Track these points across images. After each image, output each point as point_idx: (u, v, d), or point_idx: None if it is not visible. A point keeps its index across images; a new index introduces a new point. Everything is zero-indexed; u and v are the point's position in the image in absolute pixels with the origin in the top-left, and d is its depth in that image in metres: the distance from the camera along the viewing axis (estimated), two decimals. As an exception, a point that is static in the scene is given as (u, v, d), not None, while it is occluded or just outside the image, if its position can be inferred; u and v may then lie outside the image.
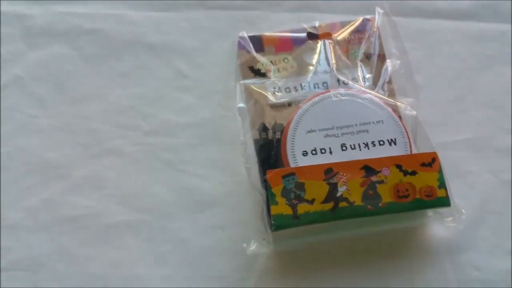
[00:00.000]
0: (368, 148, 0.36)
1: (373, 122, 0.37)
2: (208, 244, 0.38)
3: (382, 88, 0.39)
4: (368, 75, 0.40)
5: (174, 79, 0.42)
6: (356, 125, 0.37)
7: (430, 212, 0.37)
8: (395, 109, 0.38)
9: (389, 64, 0.40)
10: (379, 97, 0.38)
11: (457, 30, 0.45)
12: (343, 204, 0.34)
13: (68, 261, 0.37)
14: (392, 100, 0.39)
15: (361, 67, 0.40)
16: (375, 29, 0.41)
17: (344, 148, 0.36)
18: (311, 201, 0.34)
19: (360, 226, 0.37)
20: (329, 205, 0.34)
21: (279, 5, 0.45)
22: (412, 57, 0.42)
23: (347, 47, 0.41)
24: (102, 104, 0.41)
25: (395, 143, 0.36)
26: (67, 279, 0.36)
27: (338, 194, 0.34)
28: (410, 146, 0.36)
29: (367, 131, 0.36)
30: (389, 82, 0.40)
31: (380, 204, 0.34)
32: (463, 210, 0.37)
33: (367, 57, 0.41)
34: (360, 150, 0.36)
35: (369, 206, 0.34)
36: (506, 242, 0.38)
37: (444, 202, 0.35)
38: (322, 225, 0.34)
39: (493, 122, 0.41)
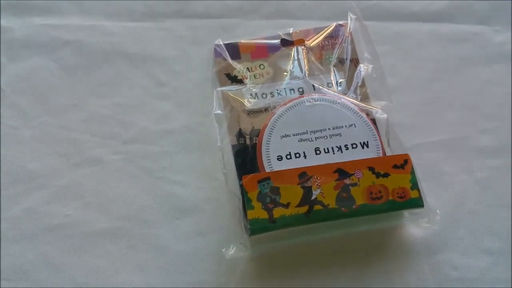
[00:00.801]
0: (342, 152, 0.37)
1: (345, 126, 0.38)
2: (188, 250, 0.38)
3: (355, 92, 0.40)
4: (341, 80, 0.41)
5: (153, 88, 0.43)
6: (329, 129, 0.38)
7: (405, 213, 0.38)
8: (368, 112, 0.39)
9: (361, 68, 0.41)
10: (352, 102, 0.39)
11: (431, 32, 0.45)
12: (317, 207, 0.35)
13: (51, 269, 0.38)
14: (364, 104, 0.39)
15: (335, 72, 0.41)
16: (347, 35, 0.42)
17: (318, 152, 0.37)
18: (286, 205, 0.35)
19: (336, 228, 0.37)
20: (304, 209, 0.35)
21: (255, 12, 0.46)
22: (387, 60, 0.43)
23: (320, 52, 0.42)
24: (82, 114, 0.42)
25: (367, 146, 0.37)
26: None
27: (313, 197, 0.35)
28: (382, 149, 0.37)
29: (340, 134, 0.37)
30: (362, 86, 0.41)
31: (354, 206, 0.35)
32: (437, 211, 0.38)
33: (341, 62, 0.42)
34: (334, 153, 0.37)
35: (343, 209, 0.35)
36: (482, 240, 0.38)
37: (417, 203, 0.36)
38: (299, 228, 0.35)
39: (467, 123, 0.42)
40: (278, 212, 0.35)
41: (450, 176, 0.41)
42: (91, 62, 0.44)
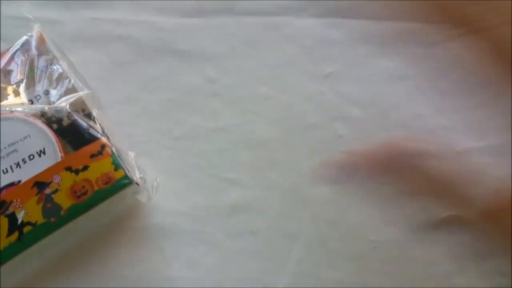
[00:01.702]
0: (20, 167, 0.36)
1: (20, 140, 0.37)
2: (238, 248, 0.39)
3: (61, 95, 0.39)
4: (49, 89, 0.39)
5: (203, 85, 0.43)
6: (4, 148, 0.36)
7: (128, 196, 0.38)
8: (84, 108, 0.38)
9: (58, 69, 0.40)
10: (30, 112, 0.38)
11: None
12: (27, 228, 0.35)
13: (103, 263, 0.38)
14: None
15: (41, 82, 0.40)
16: (38, 43, 0.41)
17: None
18: None
19: (71, 233, 0.37)
20: (15, 236, 0.35)
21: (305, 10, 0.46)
22: (437, 62, 0.43)
23: (20, 69, 0.40)
24: (133, 108, 0.43)
25: (44, 153, 0.36)
26: (98, 281, 0.38)
27: (19, 221, 0.35)
28: (62, 150, 0.36)
29: (16, 150, 0.36)
30: (60, 80, 0.40)
31: (62, 213, 0.35)
32: (157, 179, 0.39)
33: (43, 71, 0.40)
34: (13, 171, 0.36)
35: (52, 219, 0.35)
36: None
37: (124, 181, 0.36)
38: (37, 246, 0.35)
39: None
40: None
41: (499, 181, 0.41)
42: (142, 57, 0.44)
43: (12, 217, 0.35)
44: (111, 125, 0.40)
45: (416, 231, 0.39)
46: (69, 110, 0.38)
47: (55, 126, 0.38)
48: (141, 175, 0.38)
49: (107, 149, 0.37)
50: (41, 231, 0.35)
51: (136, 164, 0.39)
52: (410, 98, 0.43)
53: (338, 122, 0.42)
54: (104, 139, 0.37)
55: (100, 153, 0.37)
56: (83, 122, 0.38)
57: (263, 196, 0.41)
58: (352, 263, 0.39)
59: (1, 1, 0.45)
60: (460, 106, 0.43)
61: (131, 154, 0.39)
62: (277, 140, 0.42)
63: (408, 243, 0.39)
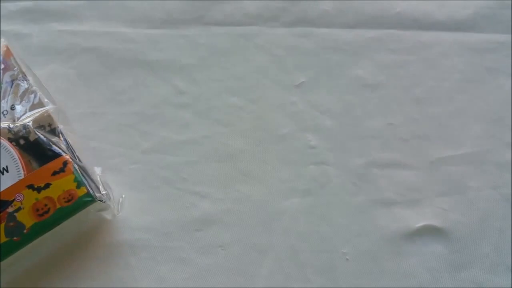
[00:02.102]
0: None
1: None
2: (208, 263, 0.39)
3: (26, 110, 0.38)
4: (15, 104, 0.39)
5: (173, 96, 0.43)
6: None
7: (91, 213, 0.37)
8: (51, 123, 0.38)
9: (23, 84, 0.39)
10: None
11: (455, 41, 0.45)
12: None
13: (72, 279, 0.38)
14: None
15: (5, 98, 0.39)
16: (4, 57, 0.40)
17: None
18: None
19: (36, 251, 0.37)
20: None
21: (276, 20, 0.45)
22: (410, 70, 0.43)
23: None
24: (100, 122, 0.42)
25: (7, 171, 0.36)
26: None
27: None
28: (25, 168, 0.36)
29: None
30: (24, 95, 0.39)
31: (25, 231, 0.35)
32: (122, 195, 0.39)
33: (8, 85, 0.39)
34: None
35: (14, 238, 0.35)
36: (508, 258, 0.38)
37: (86, 198, 0.36)
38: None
39: (492, 136, 0.42)
40: None
41: (475, 191, 0.40)
42: (110, 70, 0.44)
43: (-25, 238, 0.35)
44: (77, 140, 0.40)
45: (389, 242, 0.39)
46: (31, 126, 0.37)
47: (22, 141, 0.37)
48: (105, 192, 0.37)
49: (69, 166, 0.36)
50: (4, 250, 0.35)
51: (101, 180, 0.38)
52: (383, 106, 0.43)
53: (310, 133, 0.42)
54: (66, 156, 0.37)
55: (62, 170, 0.36)
56: (45, 139, 0.37)
57: (233, 209, 0.40)
58: (324, 276, 0.39)
59: (-34, 15, 0.45)
60: (434, 114, 0.43)
61: (97, 170, 0.39)
62: (247, 151, 0.42)
63: (381, 254, 0.39)
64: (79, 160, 0.38)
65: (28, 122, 0.38)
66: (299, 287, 0.38)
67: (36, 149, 0.37)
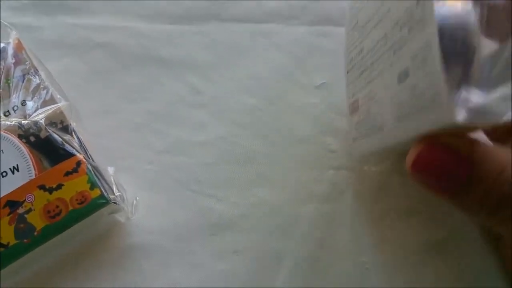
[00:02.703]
0: None
1: None
2: (223, 268, 0.38)
3: (38, 107, 0.37)
4: (26, 100, 0.38)
5: (188, 95, 0.42)
6: None
7: (104, 215, 0.37)
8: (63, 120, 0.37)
9: (35, 79, 0.38)
10: (4, 125, 0.36)
11: None
12: None
13: (80, 285, 0.37)
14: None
15: (17, 93, 0.38)
16: (16, 51, 0.39)
17: None
18: None
19: (46, 254, 0.36)
20: None
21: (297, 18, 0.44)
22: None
23: None
24: (113, 120, 0.41)
25: (18, 170, 0.35)
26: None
27: None
28: (36, 166, 0.35)
29: None
30: (36, 92, 0.38)
31: (35, 233, 0.34)
32: (137, 198, 0.37)
33: (19, 80, 0.39)
34: None
35: (25, 240, 0.34)
36: None
37: (100, 201, 0.35)
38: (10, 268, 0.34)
39: None
40: None
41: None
42: (123, 66, 0.43)
43: (-17, 240, 0.34)
44: (90, 138, 0.39)
45: (410, 252, 0.38)
46: (43, 123, 0.36)
47: (32, 139, 0.36)
48: (119, 193, 0.36)
49: (83, 166, 0.35)
50: (13, 253, 0.34)
51: (115, 180, 0.37)
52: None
53: (330, 136, 0.41)
54: (80, 156, 0.35)
55: (75, 170, 0.35)
56: (58, 137, 0.36)
57: (249, 213, 0.39)
58: (343, 285, 0.37)
59: (-24, 6, 0.44)
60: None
61: (110, 170, 0.38)
62: (265, 154, 0.41)
63: (402, 265, 0.38)
64: (92, 160, 0.37)
65: (40, 119, 0.37)
66: (317, 296, 0.37)
67: (47, 147, 0.36)
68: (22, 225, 0.34)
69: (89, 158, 0.36)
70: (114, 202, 0.35)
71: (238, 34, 0.44)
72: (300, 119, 0.41)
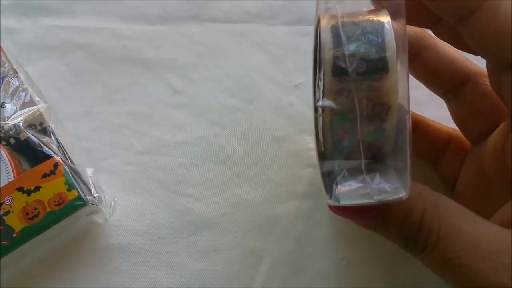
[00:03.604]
0: None
1: None
2: (203, 268, 0.38)
3: (17, 109, 0.38)
4: (5, 102, 0.38)
5: (168, 96, 0.42)
6: None
7: (82, 216, 0.37)
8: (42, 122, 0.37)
9: (14, 81, 0.39)
10: None
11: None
12: None
13: (62, 284, 0.38)
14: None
15: None
16: None
17: None
18: None
19: (25, 255, 0.37)
20: None
21: (275, 18, 0.45)
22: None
23: None
24: (93, 122, 0.41)
25: None
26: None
27: None
28: (15, 170, 0.36)
29: None
30: (17, 99, 0.38)
31: (14, 235, 0.34)
32: (115, 199, 0.38)
33: (0, 83, 0.39)
34: None
35: (3, 242, 0.34)
36: None
37: (77, 202, 0.35)
38: None
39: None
40: None
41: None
42: (103, 67, 0.43)
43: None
44: (69, 140, 0.39)
45: (388, 249, 0.38)
46: (21, 125, 0.37)
47: (12, 141, 0.37)
48: (97, 194, 0.37)
49: (60, 168, 0.36)
50: None
51: (93, 182, 0.38)
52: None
53: (308, 135, 0.41)
54: (57, 158, 0.36)
55: (52, 172, 0.36)
56: (35, 139, 0.37)
57: (229, 213, 0.40)
58: (321, 282, 0.38)
59: (-44, 9, 0.44)
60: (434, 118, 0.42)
61: (89, 171, 0.38)
62: (244, 153, 0.41)
63: (380, 260, 0.38)
64: (71, 161, 0.37)
65: (19, 122, 0.37)
66: (296, 294, 0.38)
67: (26, 149, 0.37)
68: (0, 227, 0.35)
69: (68, 160, 0.37)
70: (91, 203, 0.36)
71: (217, 34, 0.44)
72: (278, 118, 0.42)
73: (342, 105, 0.24)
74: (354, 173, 0.24)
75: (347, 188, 0.24)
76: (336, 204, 0.25)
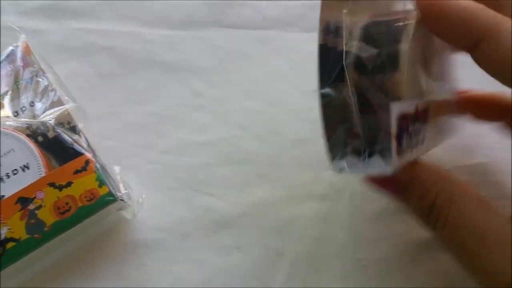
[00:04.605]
0: (4, 182, 0.36)
1: (4, 154, 0.37)
2: (224, 264, 0.40)
3: (46, 108, 0.39)
4: (35, 101, 0.40)
5: (189, 98, 0.44)
6: None
7: (112, 212, 0.39)
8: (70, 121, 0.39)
9: (43, 81, 0.40)
10: (14, 125, 0.38)
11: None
12: (10, 244, 0.35)
13: (88, 279, 0.39)
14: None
15: (25, 94, 0.40)
16: (24, 53, 0.41)
17: None
18: None
19: (54, 249, 0.38)
20: None
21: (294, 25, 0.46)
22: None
23: (4, 81, 0.40)
24: (117, 122, 0.43)
25: (28, 168, 0.37)
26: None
27: (2, 237, 0.35)
28: (47, 165, 0.37)
29: None
30: (44, 93, 0.40)
31: (45, 229, 0.36)
32: (142, 195, 0.40)
33: (28, 82, 0.41)
34: None
35: (35, 236, 0.36)
36: None
37: (108, 198, 0.37)
38: (16, 266, 0.36)
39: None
40: None
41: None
42: (127, 70, 0.45)
43: (-5, 234, 0.36)
44: (96, 139, 0.40)
45: (405, 249, 0.40)
46: (53, 124, 0.38)
47: (40, 139, 0.38)
48: (126, 191, 0.38)
49: (91, 165, 0.37)
50: (24, 247, 0.36)
51: (121, 179, 0.39)
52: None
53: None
54: (88, 155, 0.37)
55: (84, 169, 0.37)
56: (67, 137, 0.38)
57: (249, 212, 0.41)
58: (340, 282, 0.40)
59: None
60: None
61: (116, 169, 0.39)
62: (264, 155, 0.43)
63: (398, 261, 0.40)
64: (99, 159, 0.39)
65: (49, 120, 0.38)
66: (316, 291, 0.39)
67: (55, 147, 0.38)
68: (33, 221, 0.36)
69: (96, 157, 0.38)
70: (121, 199, 0.37)
71: (238, 40, 0.46)
72: (298, 121, 0.44)
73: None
74: (354, 151, 0.28)
75: (346, 162, 0.29)
76: (336, 172, 0.30)
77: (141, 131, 0.43)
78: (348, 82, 0.27)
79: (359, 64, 0.27)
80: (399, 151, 0.27)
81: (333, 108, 0.28)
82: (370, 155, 0.28)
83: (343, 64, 0.27)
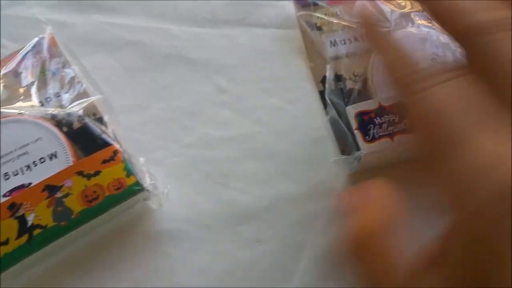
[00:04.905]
0: (31, 170, 0.37)
1: (32, 142, 0.38)
2: (246, 257, 0.40)
3: (72, 99, 0.40)
4: (61, 92, 0.41)
5: (213, 94, 0.45)
6: (16, 150, 0.37)
7: (139, 201, 0.40)
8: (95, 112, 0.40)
9: (69, 72, 0.41)
10: (41, 114, 0.39)
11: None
12: (37, 231, 0.36)
13: (112, 267, 0.40)
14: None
15: (52, 85, 0.41)
16: (50, 45, 0.42)
17: (7, 177, 0.37)
18: (6, 242, 0.35)
19: (80, 237, 0.39)
20: (24, 238, 0.36)
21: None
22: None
23: (32, 71, 0.41)
24: (143, 115, 0.44)
25: (56, 157, 0.38)
26: (105, 283, 0.39)
27: (29, 224, 0.36)
28: (74, 155, 0.38)
29: (27, 153, 0.38)
30: (71, 85, 0.41)
31: (72, 216, 0.36)
32: (169, 186, 0.40)
33: (55, 73, 0.41)
34: (23, 174, 0.37)
35: (62, 223, 0.36)
36: None
37: (135, 187, 0.37)
38: (46, 249, 0.37)
39: None
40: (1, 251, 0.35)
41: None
42: (153, 64, 0.46)
43: (22, 220, 0.36)
44: (121, 131, 0.41)
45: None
46: (81, 115, 0.39)
47: (65, 129, 0.39)
48: (152, 182, 0.39)
49: (119, 155, 0.38)
50: (51, 234, 0.36)
51: (146, 170, 0.40)
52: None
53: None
54: (116, 145, 0.38)
55: (112, 158, 0.38)
56: (95, 128, 0.39)
57: (271, 206, 0.42)
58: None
59: (12, 1, 0.46)
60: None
61: (142, 160, 0.40)
62: (286, 151, 0.44)
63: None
64: (125, 150, 0.39)
65: (77, 110, 0.39)
66: (335, 287, 0.40)
67: (81, 137, 0.39)
68: (60, 209, 0.37)
69: (123, 148, 0.39)
70: (147, 190, 0.38)
71: (261, 39, 0.47)
72: (318, 119, 0.45)
73: None
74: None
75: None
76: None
77: (166, 125, 0.44)
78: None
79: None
80: (368, 139, 0.39)
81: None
82: (349, 152, 0.40)
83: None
